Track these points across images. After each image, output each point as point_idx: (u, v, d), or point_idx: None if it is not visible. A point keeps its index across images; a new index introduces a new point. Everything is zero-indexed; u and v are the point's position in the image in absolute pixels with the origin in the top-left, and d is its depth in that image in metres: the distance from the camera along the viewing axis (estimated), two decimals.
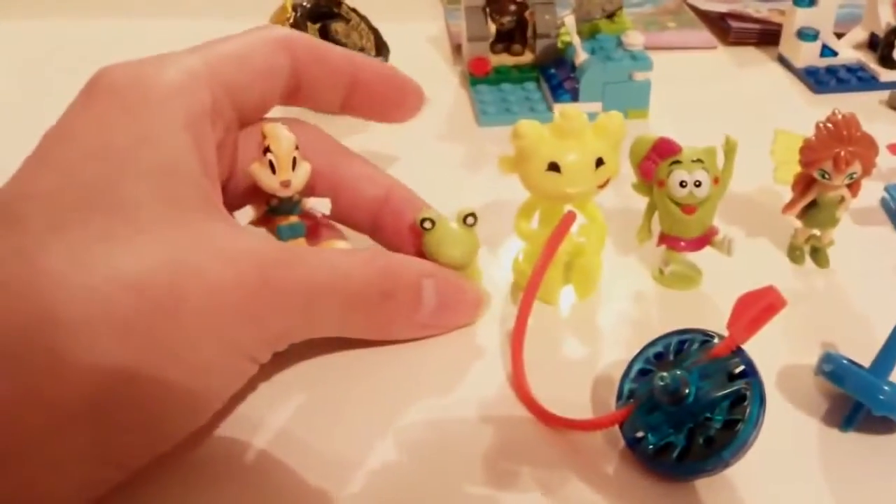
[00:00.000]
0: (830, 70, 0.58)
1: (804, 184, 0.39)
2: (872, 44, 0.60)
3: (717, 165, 0.37)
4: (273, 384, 0.34)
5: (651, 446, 0.30)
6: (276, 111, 0.37)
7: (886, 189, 0.45)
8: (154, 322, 0.27)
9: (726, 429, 0.28)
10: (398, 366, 0.35)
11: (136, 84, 0.30)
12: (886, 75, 0.57)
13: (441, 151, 0.51)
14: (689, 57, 0.62)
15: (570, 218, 0.36)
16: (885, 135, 0.38)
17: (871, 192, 0.44)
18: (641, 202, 0.39)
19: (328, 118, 0.40)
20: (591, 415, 0.33)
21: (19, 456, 0.26)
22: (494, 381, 0.35)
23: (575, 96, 0.52)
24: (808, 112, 0.54)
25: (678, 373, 0.29)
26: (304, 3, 0.52)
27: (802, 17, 0.58)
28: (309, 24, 0.52)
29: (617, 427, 0.31)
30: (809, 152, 0.37)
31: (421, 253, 0.36)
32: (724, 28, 0.64)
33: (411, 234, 0.37)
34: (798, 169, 0.38)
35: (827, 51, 0.58)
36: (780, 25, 0.60)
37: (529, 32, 0.55)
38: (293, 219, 0.35)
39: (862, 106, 0.41)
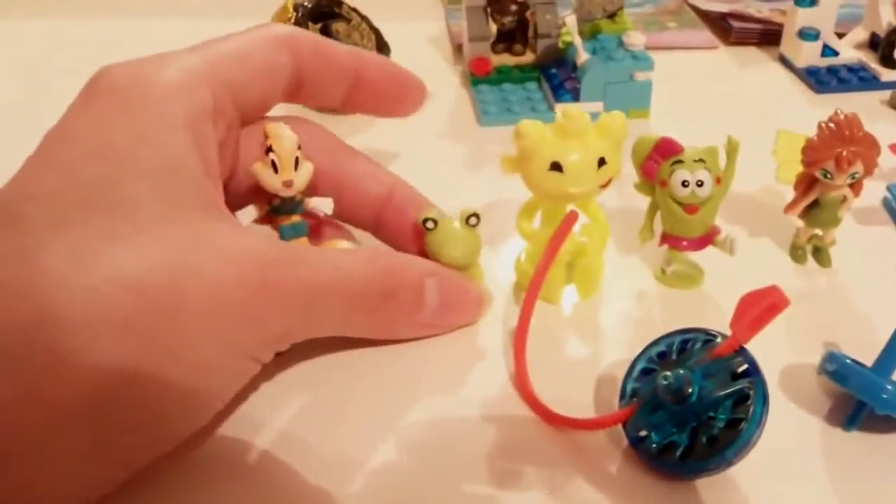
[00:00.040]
0: (831, 70, 0.58)
1: (806, 183, 0.39)
2: (873, 44, 0.60)
3: (719, 165, 0.37)
4: (275, 384, 0.34)
5: (654, 445, 0.30)
6: (278, 109, 0.37)
7: (888, 188, 0.45)
8: (154, 322, 0.27)
9: (729, 428, 0.28)
10: (401, 365, 0.35)
11: (137, 83, 0.30)
12: (887, 75, 0.57)
13: (442, 151, 0.51)
14: (690, 57, 0.62)
15: (573, 218, 0.36)
16: (886, 134, 0.38)
17: (873, 191, 0.44)
18: (643, 202, 0.39)
19: (330, 118, 0.40)
20: (594, 414, 0.33)
21: (20, 456, 0.25)
22: (497, 380, 0.35)
23: (576, 96, 0.52)
24: (810, 112, 0.54)
25: (681, 372, 0.29)
26: (306, 3, 0.52)
27: (803, 16, 0.58)
28: (310, 23, 0.52)
29: (620, 426, 0.31)
30: (812, 152, 0.37)
31: (424, 251, 0.36)
32: (725, 28, 0.64)
33: (414, 233, 0.37)
34: (800, 168, 0.38)
35: (828, 51, 0.58)
36: (781, 25, 0.60)
37: (530, 32, 0.55)
38: (295, 218, 0.35)
39: (863, 106, 0.41)
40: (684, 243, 0.38)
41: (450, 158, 0.50)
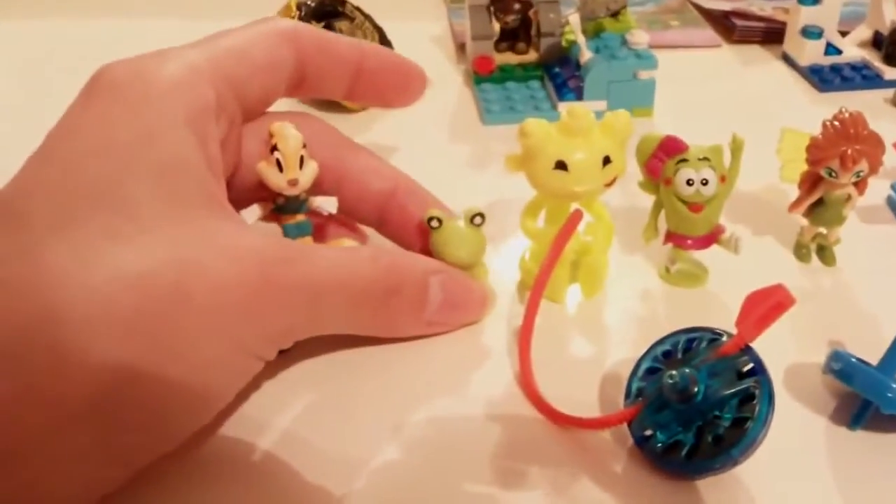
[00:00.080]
0: (835, 68, 0.58)
1: (811, 182, 0.39)
2: (877, 42, 0.60)
3: (724, 164, 0.37)
4: (278, 382, 0.34)
5: (660, 444, 0.30)
6: (280, 103, 0.37)
7: (893, 187, 0.45)
8: (157, 320, 0.27)
9: (735, 427, 0.28)
10: (405, 364, 0.35)
11: (138, 80, 0.30)
12: (891, 73, 0.56)
13: (446, 150, 0.51)
14: (693, 55, 0.62)
15: (577, 216, 0.36)
16: (890, 133, 0.38)
17: (878, 190, 0.44)
18: (648, 200, 0.39)
19: (333, 116, 0.40)
20: (599, 413, 0.33)
21: (21, 455, 0.25)
22: (502, 379, 0.35)
23: (579, 95, 0.52)
24: (813, 110, 0.54)
25: (687, 371, 0.29)
26: (309, 2, 0.52)
27: (807, 15, 0.58)
28: (313, 22, 0.52)
29: (625, 425, 0.31)
30: (816, 150, 0.37)
31: (428, 246, 0.36)
32: (728, 26, 0.64)
33: (418, 229, 0.37)
34: (804, 167, 0.38)
35: (831, 49, 0.58)
36: (784, 24, 0.60)
37: (534, 31, 0.55)
38: (300, 217, 0.35)
39: (866, 104, 0.41)
40: (689, 242, 0.38)
41: (453, 157, 0.50)
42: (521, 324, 0.35)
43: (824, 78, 0.57)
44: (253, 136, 0.35)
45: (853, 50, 0.59)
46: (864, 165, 0.37)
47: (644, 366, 0.32)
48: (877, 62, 0.57)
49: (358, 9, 0.55)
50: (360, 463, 0.31)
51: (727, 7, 0.65)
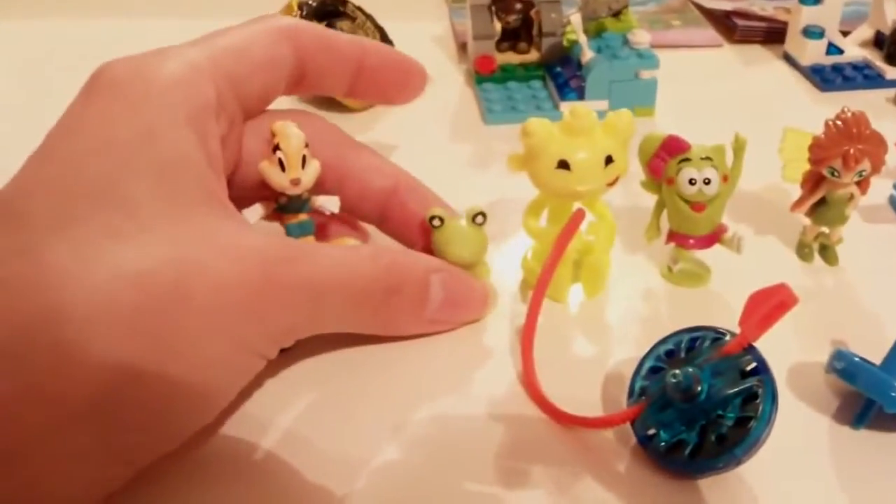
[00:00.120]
0: (836, 68, 0.58)
1: (813, 181, 0.39)
2: (878, 41, 0.60)
3: (726, 163, 0.37)
4: (280, 381, 0.34)
5: (663, 444, 0.30)
6: (281, 101, 0.37)
7: (895, 186, 0.45)
8: (158, 319, 0.27)
9: (738, 426, 0.28)
10: (407, 364, 0.35)
11: (138, 78, 0.30)
12: (892, 73, 0.56)
13: (447, 150, 0.51)
14: (695, 55, 0.62)
15: (580, 216, 0.36)
16: (892, 132, 0.38)
17: (880, 189, 0.44)
18: (650, 200, 0.39)
19: (335, 115, 0.40)
20: (602, 412, 0.33)
21: (22, 454, 0.25)
22: (504, 378, 0.35)
23: (581, 94, 0.52)
24: (814, 110, 0.54)
25: (690, 370, 0.29)
26: (310, 2, 0.52)
27: (808, 14, 0.58)
28: (314, 21, 0.52)
29: (628, 424, 0.31)
30: (819, 150, 0.37)
31: (430, 244, 0.36)
32: (729, 26, 0.64)
33: (420, 227, 0.37)
34: (806, 166, 0.38)
35: (833, 49, 0.58)
36: (785, 23, 0.60)
37: (535, 31, 0.55)
38: (302, 216, 0.35)
39: (868, 104, 0.41)
40: (691, 241, 0.38)
41: (455, 157, 0.50)
42: (523, 323, 0.35)
43: (826, 78, 0.57)
44: (254, 133, 0.35)
45: (855, 50, 0.59)
46: (866, 165, 0.37)
47: (647, 365, 0.32)
48: (878, 62, 0.57)
49: (359, 8, 0.55)
50: (362, 462, 0.31)
51: (728, 7, 0.65)
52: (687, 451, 0.29)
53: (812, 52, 0.58)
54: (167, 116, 0.30)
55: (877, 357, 0.32)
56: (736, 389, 0.28)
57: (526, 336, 0.34)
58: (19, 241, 0.26)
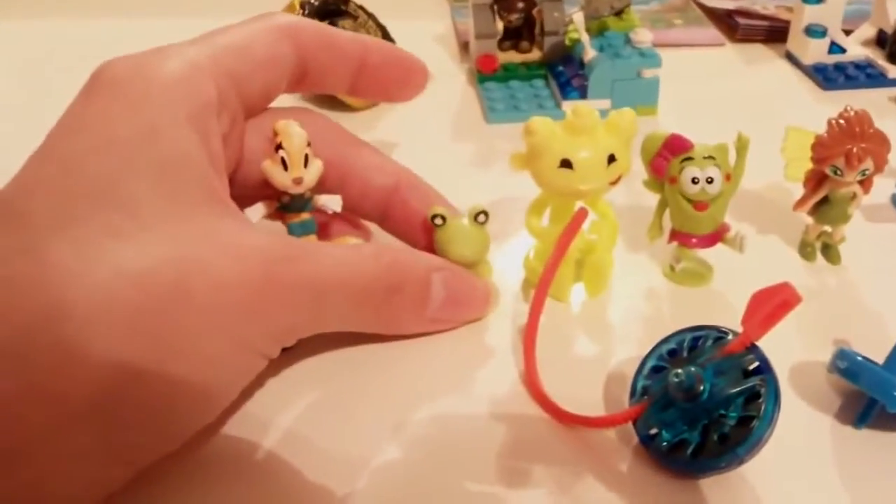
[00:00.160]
0: (839, 67, 0.58)
1: (816, 180, 0.38)
2: (881, 40, 0.60)
3: (729, 162, 0.36)
4: (281, 381, 0.34)
5: (665, 443, 0.30)
6: (283, 99, 0.37)
7: None
8: (160, 318, 0.27)
9: (741, 425, 0.28)
10: (409, 362, 0.35)
11: (138, 77, 0.30)
12: (895, 72, 0.56)
13: (449, 149, 0.51)
14: (697, 54, 0.62)
15: (582, 215, 0.35)
16: (895, 131, 0.38)
17: (882, 188, 0.44)
18: (652, 199, 0.39)
19: (336, 116, 0.40)
20: (604, 412, 0.33)
21: (24, 454, 0.25)
22: (506, 378, 0.34)
23: (583, 93, 0.52)
24: (817, 109, 0.54)
25: (693, 369, 0.29)
26: (313, 1, 0.52)
27: (810, 13, 0.58)
28: (316, 20, 0.52)
29: (630, 424, 0.31)
30: (821, 149, 0.37)
31: (431, 242, 0.36)
32: (731, 25, 0.64)
33: (421, 225, 0.37)
34: (809, 165, 0.38)
35: (835, 47, 0.58)
36: (787, 22, 0.60)
37: (537, 30, 0.55)
38: (305, 216, 0.35)
39: (871, 102, 0.41)
40: (693, 240, 0.38)
41: (457, 156, 0.50)
42: (525, 322, 0.35)
43: (828, 76, 0.57)
44: (255, 132, 0.35)
45: (857, 48, 0.59)
46: (869, 164, 0.37)
47: (649, 364, 0.32)
48: (881, 60, 0.57)
49: (361, 7, 0.55)
50: (363, 461, 0.31)
51: (731, 6, 0.65)
52: (689, 451, 0.29)
53: (814, 51, 0.58)
54: (168, 115, 0.30)
55: (879, 356, 0.32)
56: (738, 389, 0.28)
57: (528, 335, 0.34)
58: (20, 241, 0.26)
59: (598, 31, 0.54)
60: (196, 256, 0.28)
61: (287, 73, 0.35)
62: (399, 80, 0.39)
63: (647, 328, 0.37)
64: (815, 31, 0.57)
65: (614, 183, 0.35)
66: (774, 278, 0.29)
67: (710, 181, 0.36)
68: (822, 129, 0.37)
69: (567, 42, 0.55)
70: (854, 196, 0.38)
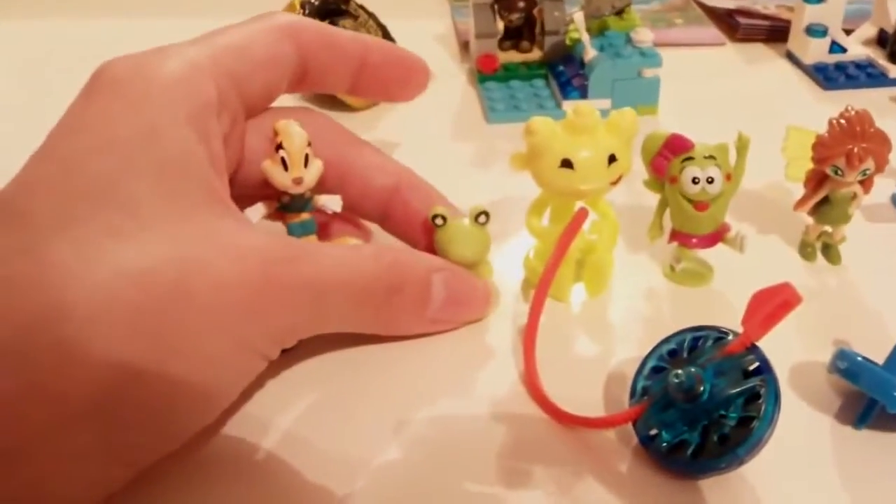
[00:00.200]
0: (839, 66, 0.58)
1: (816, 180, 0.38)
2: (881, 40, 0.60)
3: (730, 162, 0.36)
4: (281, 382, 0.34)
5: (665, 444, 0.30)
6: (284, 99, 0.37)
7: None
8: (159, 318, 0.27)
9: (741, 426, 0.28)
10: (409, 363, 0.35)
11: (139, 76, 0.30)
12: None
13: (450, 149, 0.51)
14: (697, 54, 0.62)
15: (583, 215, 0.35)
16: (895, 131, 0.38)
17: (883, 188, 0.44)
18: (653, 199, 0.39)
19: (337, 116, 0.40)
20: (603, 412, 0.33)
21: (25, 453, 0.25)
22: (506, 378, 0.34)
23: (584, 93, 0.52)
24: (817, 109, 0.54)
25: (693, 370, 0.29)
26: (313, 0, 0.52)
27: (811, 13, 0.58)
28: (317, 19, 0.52)
29: (630, 425, 0.31)
30: (822, 149, 0.37)
31: (432, 242, 0.36)
32: (731, 25, 0.64)
33: (422, 225, 0.37)
34: (810, 165, 0.38)
35: (836, 47, 0.58)
36: (788, 22, 0.60)
37: (538, 29, 0.55)
38: (305, 216, 0.35)
39: (871, 102, 0.40)
40: (694, 241, 0.38)
41: (458, 156, 0.50)
42: (525, 322, 0.35)
43: (829, 76, 0.57)
44: (256, 132, 0.35)
45: (858, 48, 0.59)
46: (870, 164, 0.37)
47: (649, 365, 0.32)
48: (881, 60, 0.57)
49: (362, 7, 0.55)
50: (363, 462, 0.31)
51: (731, 5, 0.65)
52: (689, 452, 0.29)
53: (815, 51, 0.58)
54: (168, 115, 0.30)
55: (879, 357, 0.32)
56: (738, 389, 0.28)
57: (528, 335, 0.34)
58: (21, 240, 0.26)
59: (598, 30, 0.54)
60: (196, 257, 0.28)
61: (288, 72, 0.35)
62: (400, 80, 0.39)
63: (648, 328, 0.37)
64: (815, 31, 0.57)
65: (615, 183, 0.35)
66: (775, 278, 0.29)
67: (710, 181, 0.36)
68: (822, 128, 0.37)
69: (567, 42, 0.55)
70: (854, 196, 0.38)
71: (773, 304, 0.28)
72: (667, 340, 0.32)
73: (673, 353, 0.32)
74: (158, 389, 0.27)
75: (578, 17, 0.53)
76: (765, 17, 0.63)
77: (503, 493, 0.30)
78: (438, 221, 0.35)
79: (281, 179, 0.34)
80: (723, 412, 0.29)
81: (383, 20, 0.56)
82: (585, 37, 0.52)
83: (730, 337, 0.30)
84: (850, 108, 0.37)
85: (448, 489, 0.30)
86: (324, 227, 0.37)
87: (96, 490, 0.28)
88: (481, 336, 0.37)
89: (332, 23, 0.52)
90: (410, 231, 0.37)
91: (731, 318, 0.30)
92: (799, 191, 0.40)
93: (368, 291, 0.33)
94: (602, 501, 0.30)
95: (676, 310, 0.38)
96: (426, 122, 0.52)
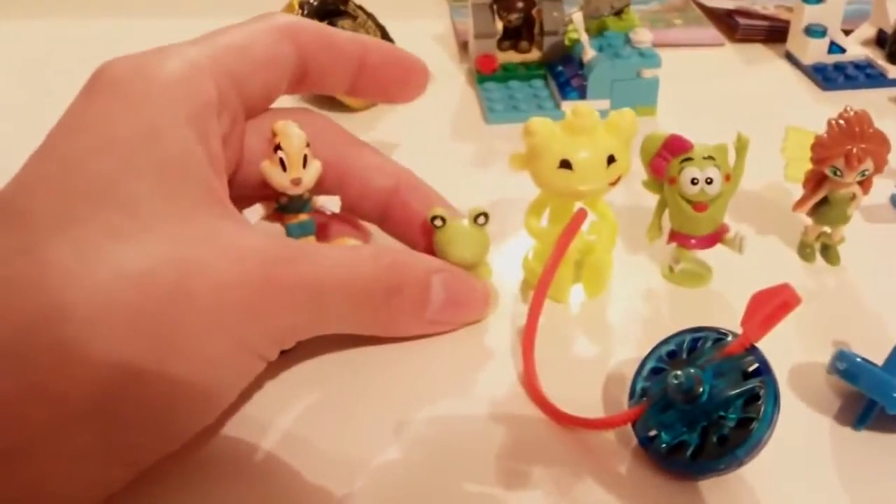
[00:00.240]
0: (838, 67, 0.58)
1: (815, 181, 0.38)
2: (880, 40, 0.60)
3: (728, 163, 0.36)
4: (280, 383, 0.34)
5: (664, 445, 0.30)
6: (283, 100, 0.37)
7: None
8: (158, 319, 0.27)
9: (740, 427, 0.28)
10: (407, 364, 0.35)
11: (139, 77, 0.30)
12: (895, 72, 0.56)
13: (449, 149, 0.51)
14: (697, 54, 0.62)
15: (581, 215, 0.35)
16: (894, 131, 0.38)
17: (882, 189, 0.44)
18: (652, 200, 0.39)
19: (336, 117, 0.40)
20: (603, 413, 0.33)
21: (25, 453, 0.25)
22: (505, 379, 0.34)
23: (583, 94, 0.52)
24: (816, 109, 0.54)
25: (692, 371, 0.29)
26: (312, 1, 0.52)
27: (810, 13, 0.58)
28: (315, 20, 0.52)
29: (629, 426, 0.31)
30: (821, 149, 0.37)
31: (431, 243, 0.36)
32: (731, 25, 0.64)
33: (421, 226, 0.37)
34: (809, 166, 0.38)
35: (835, 47, 0.58)
36: (787, 22, 0.60)
37: (537, 29, 0.55)
38: (303, 217, 0.35)
39: (870, 103, 0.41)
40: (693, 241, 0.38)
41: (457, 157, 0.50)
42: (524, 323, 0.35)
43: (828, 77, 0.57)
44: (255, 133, 0.35)
45: (857, 48, 0.59)
46: (869, 164, 0.37)
47: (648, 366, 0.32)
48: (881, 61, 0.57)
49: (360, 7, 0.55)
50: (362, 463, 0.31)
51: (730, 5, 0.65)
52: (688, 453, 0.29)
53: (814, 51, 0.58)
54: (168, 115, 0.30)
55: (879, 357, 0.32)
56: (738, 390, 0.28)
57: (527, 336, 0.34)
58: (20, 241, 0.26)
59: (597, 30, 0.54)
60: (196, 258, 0.28)
61: (287, 73, 0.35)
62: (399, 81, 0.39)
63: (647, 329, 0.37)
64: (814, 31, 0.57)
65: (614, 183, 0.35)
66: (774, 279, 0.29)
67: (709, 182, 0.36)
68: (821, 129, 0.37)
69: (566, 42, 0.55)
70: (853, 197, 0.38)
71: (773, 305, 0.28)
72: (666, 341, 0.32)
73: (672, 354, 0.32)
74: (158, 390, 0.27)
75: (577, 17, 0.53)
76: (764, 17, 0.63)
77: (503, 493, 0.30)
78: (437, 222, 0.35)
79: (279, 180, 0.34)
80: (722, 413, 0.29)
81: (382, 20, 0.56)
82: (584, 37, 0.52)
83: (729, 338, 0.30)
84: (849, 108, 0.37)
85: (448, 489, 0.30)
86: (322, 228, 0.37)
87: (96, 490, 0.28)
88: (480, 337, 0.37)
89: (331, 23, 0.52)
90: (409, 232, 0.37)
91: (730, 319, 0.30)
92: (798, 191, 0.40)
93: (367, 292, 0.33)
94: (601, 502, 0.30)
95: (675, 311, 0.38)
96: (425, 122, 0.52)
